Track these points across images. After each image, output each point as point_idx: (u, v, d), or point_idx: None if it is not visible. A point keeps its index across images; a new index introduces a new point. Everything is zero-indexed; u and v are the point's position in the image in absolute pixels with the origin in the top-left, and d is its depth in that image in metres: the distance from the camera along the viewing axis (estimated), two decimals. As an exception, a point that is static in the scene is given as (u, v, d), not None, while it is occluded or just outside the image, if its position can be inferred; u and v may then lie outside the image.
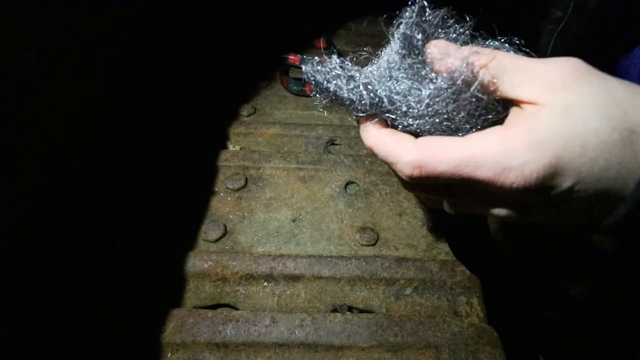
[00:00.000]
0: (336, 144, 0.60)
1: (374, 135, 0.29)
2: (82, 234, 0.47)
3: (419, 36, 0.28)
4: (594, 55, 0.35)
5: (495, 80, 0.26)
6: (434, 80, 0.28)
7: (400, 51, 0.29)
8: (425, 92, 0.27)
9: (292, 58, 0.71)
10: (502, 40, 0.28)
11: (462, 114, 0.27)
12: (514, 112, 0.26)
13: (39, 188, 0.42)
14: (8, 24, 0.37)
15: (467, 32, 0.29)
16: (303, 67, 0.32)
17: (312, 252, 0.46)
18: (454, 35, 0.29)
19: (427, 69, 0.28)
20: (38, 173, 0.42)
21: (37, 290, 0.41)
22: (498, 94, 0.26)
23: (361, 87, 0.29)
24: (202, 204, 0.50)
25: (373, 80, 0.29)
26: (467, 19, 0.30)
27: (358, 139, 0.60)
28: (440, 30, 0.29)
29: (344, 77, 0.30)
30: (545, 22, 0.51)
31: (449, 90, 0.26)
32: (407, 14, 0.29)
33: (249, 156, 0.55)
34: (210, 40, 0.78)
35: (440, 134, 0.27)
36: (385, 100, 0.28)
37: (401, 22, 0.29)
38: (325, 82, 0.30)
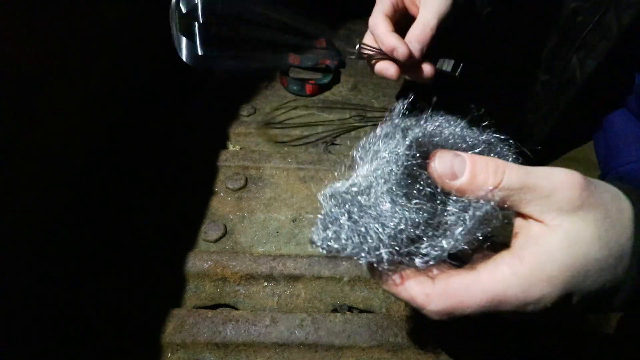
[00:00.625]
0: (336, 144, 0.60)
1: (392, 282, 0.27)
2: (82, 234, 0.47)
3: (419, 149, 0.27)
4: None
5: (507, 202, 0.26)
6: (449, 209, 0.27)
7: (403, 173, 0.27)
8: (456, 231, 0.26)
9: (293, 58, 0.71)
10: (494, 134, 0.29)
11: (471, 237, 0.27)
12: (521, 233, 0.27)
13: (39, 188, 0.42)
14: (8, 24, 0.37)
15: (459, 126, 0.29)
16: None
17: (312, 252, 0.46)
18: (449, 129, 0.29)
19: (431, 187, 0.27)
20: (38, 173, 0.42)
21: (37, 290, 0.41)
22: (508, 209, 0.27)
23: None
24: (202, 204, 0.50)
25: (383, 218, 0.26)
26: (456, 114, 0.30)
27: (358, 139, 0.59)
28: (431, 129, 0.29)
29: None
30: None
31: (472, 222, 0.26)
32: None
33: (249, 156, 0.55)
34: (211, 39, 0.78)
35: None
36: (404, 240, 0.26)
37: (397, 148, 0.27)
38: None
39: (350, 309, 0.43)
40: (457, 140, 0.29)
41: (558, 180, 0.26)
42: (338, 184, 0.28)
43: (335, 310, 0.43)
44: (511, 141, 0.31)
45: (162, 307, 0.41)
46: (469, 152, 0.27)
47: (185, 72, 0.70)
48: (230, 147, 0.59)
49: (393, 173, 0.26)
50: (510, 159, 0.30)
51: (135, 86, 0.63)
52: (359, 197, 0.27)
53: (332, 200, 0.27)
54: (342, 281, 0.44)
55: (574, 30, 0.51)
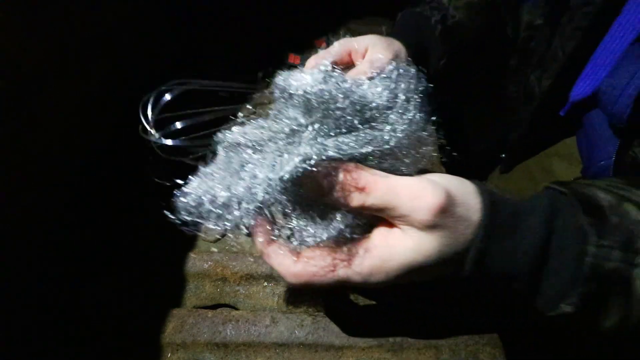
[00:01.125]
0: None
1: (267, 249, 0.32)
2: (82, 233, 0.47)
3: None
4: None
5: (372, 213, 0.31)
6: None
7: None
8: (327, 234, 0.30)
9: (292, 58, 0.71)
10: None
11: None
12: (383, 228, 0.31)
13: (39, 188, 0.42)
14: (8, 24, 0.37)
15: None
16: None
17: (312, 252, 0.46)
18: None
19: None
20: (38, 173, 0.42)
21: (37, 290, 0.41)
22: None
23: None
24: (202, 204, 0.50)
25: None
26: None
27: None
28: None
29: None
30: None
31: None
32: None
33: (249, 156, 0.55)
34: (211, 40, 0.78)
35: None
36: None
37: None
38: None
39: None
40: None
41: (417, 205, 0.29)
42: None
43: (335, 310, 0.43)
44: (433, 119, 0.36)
45: (162, 307, 0.41)
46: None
47: (185, 72, 0.70)
48: (230, 147, 0.59)
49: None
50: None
51: (135, 86, 0.63)
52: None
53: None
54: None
55: (529, 54, 0.59)
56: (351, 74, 0.44)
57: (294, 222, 0.31)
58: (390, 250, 0.30)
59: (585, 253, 0.29)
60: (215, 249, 0.46)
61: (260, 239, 0.33)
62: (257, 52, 0.73)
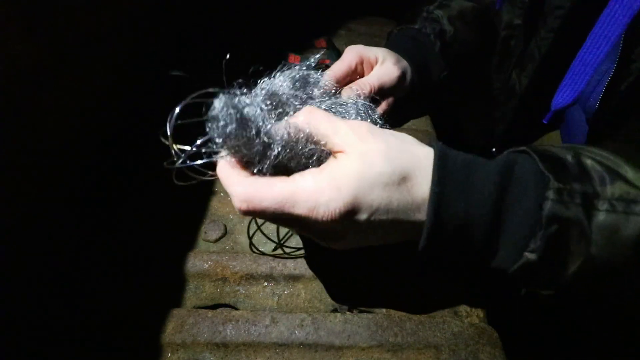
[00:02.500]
0: None
1: (226, 171, 0.33)
2: (82, 233, 0.47)
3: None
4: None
5: (315, 137, 0.33)
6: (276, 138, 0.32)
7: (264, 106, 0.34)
8: (275, 150, 0.32)
9: (292, 58, 0.71)
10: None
11: (296, 161, 0.33)
12: (329, 159, 0.33)
13: (38, 188, 0.42)
14: (8, 24, 0.37)
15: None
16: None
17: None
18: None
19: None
20: (38, 173, 0.42)
21: (37, 290, 0.41)
22: (319, 145, 0.33)
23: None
24: (202, 204, 0.50)
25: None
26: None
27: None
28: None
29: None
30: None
31: (290, 146, 0.32)
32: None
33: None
34: (211, 40, 0.78)
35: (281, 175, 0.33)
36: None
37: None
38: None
39: (351, 309, 0.43)
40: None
41: (352, 123, 0.33)
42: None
43: (335, 310, 0.43)
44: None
45: (162, 307, 0.41)
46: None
47: (186, 72, 0.70)
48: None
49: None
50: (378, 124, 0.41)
51: (135, 86, 0.63)
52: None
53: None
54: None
55: (509, 53, 0.62)
56: (359, 84, 0.49)
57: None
58: (337, 165, 0.31)
59: (546, 197, 0.30)
60: (215, 249, 0.46)
61: (223, 161, 0.33)
62: (257, 51, 0.73)
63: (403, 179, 0.31)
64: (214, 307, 0.42)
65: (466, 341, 0.39)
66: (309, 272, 0.44)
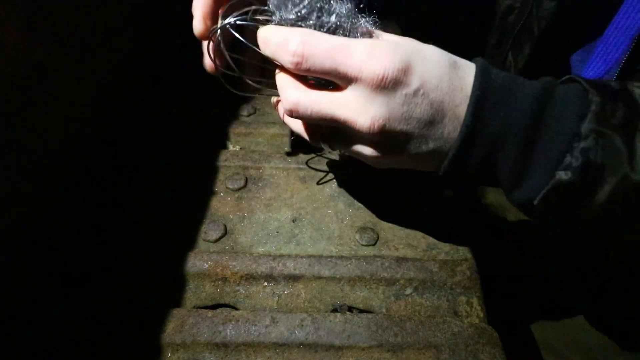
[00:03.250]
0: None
1: (270, 29, 0.33)
2: (82, 233, 0.47)
3: None
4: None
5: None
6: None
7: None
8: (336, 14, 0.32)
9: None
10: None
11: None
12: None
13: (38, 188, 0.42)
14: (8, 24, 0.37)
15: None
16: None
17: (312, 252, 0.46)
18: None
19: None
20: (38, 173, 0.42)
21: (36, 290, 0.41)
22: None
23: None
24: (202, 204, 0.50)
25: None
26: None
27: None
28: None
29: None
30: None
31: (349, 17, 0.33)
32: None
33: (249, 156, 0.55)
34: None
35: None
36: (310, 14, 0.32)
37: None
38: None
39: (350, 309, 0.43)
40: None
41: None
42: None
43: (335, 310, 0.43)
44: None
45: (162, 307, 0.41)
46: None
47: (185, 72, 0.70)
48: (230, 147, 0.59)
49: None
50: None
51: (135, 86, 0.63)
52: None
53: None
54: (342, 281, 0.44)
55: (507, 30, 0.56)
56: None
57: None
58: (390, 37, 0.33)
59: (588, 110, 0.28)
60: (215, 249, 0.46)
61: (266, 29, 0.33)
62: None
63: (454, 66, 0.31)
64: (214, 307, 0.42)
65: (466, 341, 0.39)
66: (309, 272, 0.44)
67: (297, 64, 0.30)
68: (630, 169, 0.28)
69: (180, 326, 0.39)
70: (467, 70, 0.32)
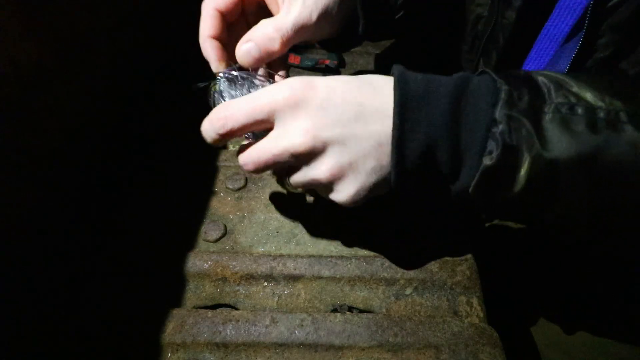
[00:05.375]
0: None
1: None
2: (82, 233, 0.47)
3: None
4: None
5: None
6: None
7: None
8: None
9: (292, 58, 0.71)
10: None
11: None
12: None
13: (38, 188, 0.42)
14: (8, 24, 0.37)
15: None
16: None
17: (312, 252, 0.46)
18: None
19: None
20: (37, 173, 0.42)
21: (36, 290, 0.41)
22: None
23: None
24: (202, 204, 0.50)
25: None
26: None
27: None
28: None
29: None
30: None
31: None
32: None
33: (249, 156, 0.55)
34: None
35: None
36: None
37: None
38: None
39: (350, 309, 0.43)
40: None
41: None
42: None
43: (335, 310, 0.43)
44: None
45: (162, 307, 0.41)
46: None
47: (185, 72, 0.70)
48: (230, 147, 0.59)
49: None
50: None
51: (134, 86, 0.63)
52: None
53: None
54: (342, 281, 0.44)
55: (478, 38, 0.57)
56: (260, 35, 0.39)
57: None
58: None
59: (498, 99, 0.32)
60: (215, 249, 0.46)
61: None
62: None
63: (362, 78, 0.35)
64: (214, 307, 0.42)
65: (466, 341, 0.39)
66: (309, 272, 0.44)
67: (221, 135, 0.36)
68: (541, 147, 0.31)
69: (180, 326, 0.39)
70: (381, 81, 0.35)
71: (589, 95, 0.33)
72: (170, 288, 0.43)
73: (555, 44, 0.45)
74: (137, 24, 0.63)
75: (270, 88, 0.34)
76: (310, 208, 0.50)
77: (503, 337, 0.40)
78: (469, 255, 0.46)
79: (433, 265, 0.44)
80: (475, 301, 0.43)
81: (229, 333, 0.39)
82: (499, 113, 0.31)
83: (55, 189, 0.45)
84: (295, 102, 0.33)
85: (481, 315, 0.42)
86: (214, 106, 0.39)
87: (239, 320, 0.40)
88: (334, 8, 0.42)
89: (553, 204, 0.34)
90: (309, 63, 0.71)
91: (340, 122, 0.33)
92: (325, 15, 0.41)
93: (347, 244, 0.47)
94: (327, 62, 0.71)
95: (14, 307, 0.38)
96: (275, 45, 0.39)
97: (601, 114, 0.31)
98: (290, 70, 0.72)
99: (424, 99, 0.33)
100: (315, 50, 0.76)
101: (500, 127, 0.31)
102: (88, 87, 0.51)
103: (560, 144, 0.31)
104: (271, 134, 0.35)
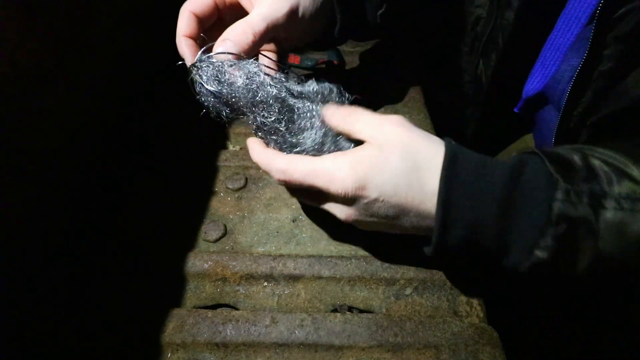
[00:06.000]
0: None
1: (260, 153, 0.40)
2: (82, 233, 0.47)
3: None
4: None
5: (350, 131, 0.38)
6: (318, 126, 0.39)
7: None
8: (314, 135, 0.39)
9: (292, 58, 0.71)
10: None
11: (328, 147, 0.39)
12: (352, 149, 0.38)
13: (38, 188, 0.42)
14: (8, 24, 0.37)
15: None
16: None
17: (312, 252, 0.46)
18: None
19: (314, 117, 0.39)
20: (37, 173, 0.42)
21: (37, 290, 0.41)
22: (352, 136, 0.38)
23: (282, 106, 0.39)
24: (202, 204, 0.50)
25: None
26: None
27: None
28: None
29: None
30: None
31: (328, 135, 0.39)
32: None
33: (249, 156, 0.55)
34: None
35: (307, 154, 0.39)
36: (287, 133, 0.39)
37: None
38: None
39: (350, 309, 0.43)
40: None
41: (384, 118, 0.37)
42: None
43: (335, 310, 0.43)
44: (341, 88, 0.42)
45: (162, 307, 0.41)
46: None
47: (185, 72, 0.70)
48: (230, 147, 0.59)
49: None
50: (346, 103, 0.42)
51: (134, 86, 0.63)
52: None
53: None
54: (342, 281, 0.44)
55: (477, 39, 0.57)
56: (234, 32, 0.40)
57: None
58: (358, 151, 0.36)
59: (554, 198, 0.31)
60: (215, 249, 0.46)
61: (254, 144, 0.40)
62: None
63: (415, 169, 0.34)
64: (214, 307, 0.42)
65: (466, 341, 0.39)
66: (309, 272, 0.44)
67: (282, 182, 0.39)
68: (601, 244, 0.31)
69: (180, 326, 0.39)
70: (429, 172, 0.34)
71: None
72: (170, 288, 0.43)
73: (561, 53, 0.45)
74: (137, 24, 0.63)
75: (328, 178, 0.35)
76: (310, 208, 0.50)
77: (503, 337, 0.40)
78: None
79: (433, 265, 0.44)
80: (475, 301, 0.43)
81: (229, 333, 0.39)
82: (555, 213, 0.30)
83: (55, 189, 0.45)
84: (345, 200, 0.36)
85: (481, 315, 0.42)
86: (197, 93, 0.40)
87: (239, 320, 0.40)
88: (309, 5, 0.44)
89: (616, 282, 0.35)
90: (309, 63, 0.71)
91: (382, 219, 0.36)
92: (296, 11, 0.44)
93: (347, 244, 0.47)
94: (326, 60, 0.71)
95: (14, 307, 0.38)
96: (249, 41, 0.40)
97: None
98: (289, 70, 0.72)
99: (474, 189, 0.32)
100: (315, 51, 0.76)
101: (557, 229, 0.31)
102: (88, 87, 0.51)
103: (621, 242, 0.30)
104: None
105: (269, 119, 0.38)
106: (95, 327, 0.40)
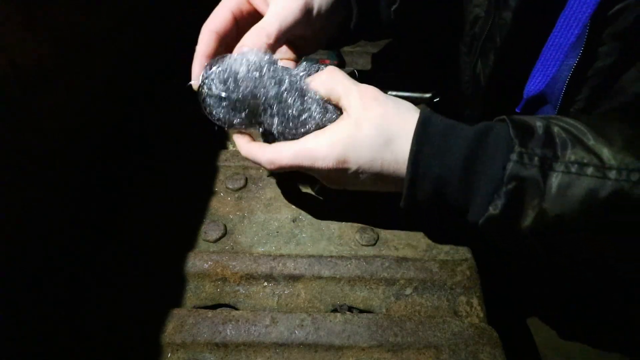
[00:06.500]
0: None
1: (247, 147, 0.43)
2: (82, 233, 0.47)
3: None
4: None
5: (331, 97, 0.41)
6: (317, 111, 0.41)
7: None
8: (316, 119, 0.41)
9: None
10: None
11: (311, 123, 0.41)
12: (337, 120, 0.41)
13: (38, 188, 0.42)
14: (8, 23, 0.37)
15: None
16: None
17: (312, 252, 0.46)
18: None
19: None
20: (37, 173, 0.42)
21: (37, 289, 0.41)
22: (332, 102, 0.41)
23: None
24: (202, 204, 0.50)
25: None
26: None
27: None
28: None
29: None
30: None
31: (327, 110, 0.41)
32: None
33: (249, 156, 0.55)
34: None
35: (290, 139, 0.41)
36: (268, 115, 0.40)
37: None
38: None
39: (350, 309, 0.43)
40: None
41: (362, 88, 0.40)
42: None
43: (335, 310, 0.43)
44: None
45: (162, 307, 0.41)
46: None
47: (185, 72, 0.70)
48: (230, 147, 0.59)
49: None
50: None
51: (134, 86, 0.63)
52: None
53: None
54: (342, 281, 0.44)
55: (476, 39, 0.57)
56: (252, 37, 0.41)
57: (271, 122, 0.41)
58: (335, 128, 0.40)
59: (509, 159, 0.35)
60: (215, 249, 0.46)
61: (241, 139, 0.43)
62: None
63: (387, 142, 0.38)
64: (214, 307, 0.42)
65: (466, 341, 0.39)
66: (309, 272, 0.44)
67: (271, 169, 0.42)
68: (546, 204, 0.34)
69: (180, 326, 0.39)
70: (404, 139, 0.38)
71: (605, 152, 0.34)
72: (170, 288, 0.43)
73: (562, 53, 0.45)
74: (137, 24, 0.63)
75: (312, 158, 0.39)
76: (310, 208, 0.50)
77: (503, 337, 0.40)
78: (469, 255, 0.46)
79: (433, 265, 0.44)
80: (475, 301, 0.43)
81: (229, 333, 0.39)
82: (507, 174, 0.34)
83: (55, 189, 0.45)
84: (329, 175, 0.41)
85: (481, 315, 0.42)
86: (209, 112, 0.42)
87: (239, 320, 0.40)
88: (322, 3, 0.45)
89: (562, 245, 0.38)
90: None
91: (364, 184, 0.42)
92: (310, 8, 0.44)
93: (347, 244, 0.47)
94: (327, 62, 0.71)
95: (14, 307, 0.38)
96: (264, 42, 0.41)
97: (612, 175, 0.33)
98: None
99: (440, 149, 0.36)
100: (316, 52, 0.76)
101: (507, 187, 0.34)
102: (88, 87, 0.51)
103: (563, 203, 0.34)
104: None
105: (281, 114, 0.40)
106: (95, 327, 0.40)
